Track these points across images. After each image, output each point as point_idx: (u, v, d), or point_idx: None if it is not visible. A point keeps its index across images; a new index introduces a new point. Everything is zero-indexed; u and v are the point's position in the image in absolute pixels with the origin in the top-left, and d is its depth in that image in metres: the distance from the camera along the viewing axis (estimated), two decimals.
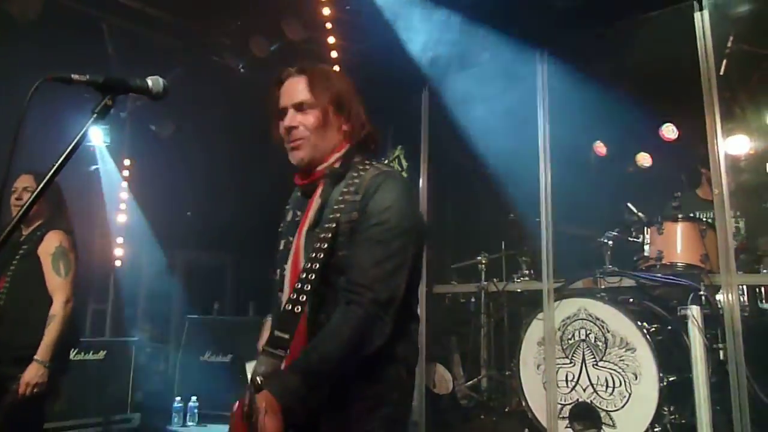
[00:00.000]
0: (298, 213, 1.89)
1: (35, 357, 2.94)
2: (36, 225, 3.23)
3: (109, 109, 1.55)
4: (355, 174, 1.80)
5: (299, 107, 1.83)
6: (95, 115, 1.52)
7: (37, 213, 3.19)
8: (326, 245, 1.68)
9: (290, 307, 1.64)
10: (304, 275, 1.67)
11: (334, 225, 1.71)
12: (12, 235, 1.42)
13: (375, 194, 1.73)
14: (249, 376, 1.64)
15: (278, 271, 1.86)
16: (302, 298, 1.64)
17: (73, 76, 1.48)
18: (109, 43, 5.72)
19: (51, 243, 3.17)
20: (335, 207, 1.74)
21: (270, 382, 1.51)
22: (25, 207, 1.41)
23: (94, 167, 6.58)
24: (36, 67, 5.07)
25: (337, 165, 1.85)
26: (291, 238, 1.83)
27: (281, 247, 1.89)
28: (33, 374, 2.91)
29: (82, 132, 1.49)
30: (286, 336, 1.61)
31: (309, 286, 1.65)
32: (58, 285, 3.09)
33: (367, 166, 1.82)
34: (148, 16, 5.62)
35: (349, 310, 1.62)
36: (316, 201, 1.81)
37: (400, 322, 1.70)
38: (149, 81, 1.61)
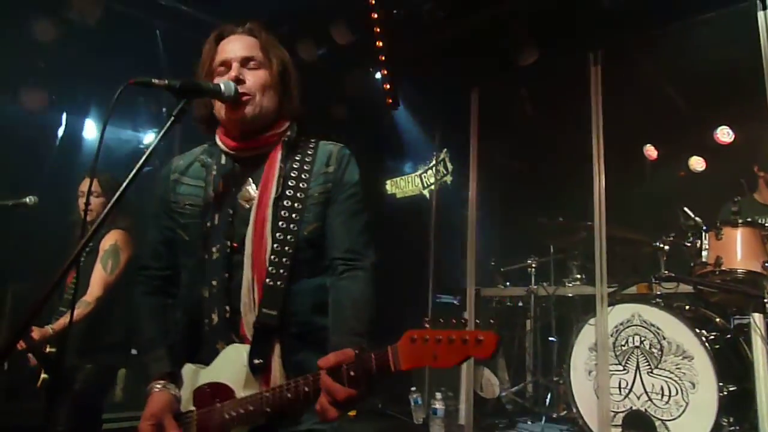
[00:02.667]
0: (230, 182, 1.75)
1: (50, 326, 3.04)
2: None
3: (185, 112, 1.60)
4: (309, 146, 1.80)
5: (246, 62, 1.74)
6: (173, 118, 1.56)
7: (98, 212, 3.29)
8: (299, 217, 1.69)
9: (272, 283, 1.63)
10: (279, 247, 1.65)
11: (303, 196, 1.71)
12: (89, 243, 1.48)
13: (347, 167, 1.79)
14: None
15: (215, 246, 1.70)
16: (282, 272, 1.64)
17: (153, 80, 1.54)
18: (162, 47, 5.86)
19: (108, 240, 3.31)
20: (302, 177, 1.73)
21: (352, 347, 1.47)
22: (104, 214, 1.48)
23: (147, 168, 6.73)
24: (95, 72, 5.28)
25: (288, 134, 1.79)
26: (230, 210, 1.71)
27: (215, 221, 1.71)
28: (38, 334, 2.99)
29: (159, 135, 1.55)
30: (274, 312, 1.61)
31: (287, 260, 1.65)
32: (99, 278, 3.20)
33: (314, 140, 1.83)
34: (199, 21, 5.74)
35: (358, 275, 1.68)
36: (275, 170, 1.73)
37: None
38: (222, 85, 1.65)
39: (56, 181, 4.44)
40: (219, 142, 1.80)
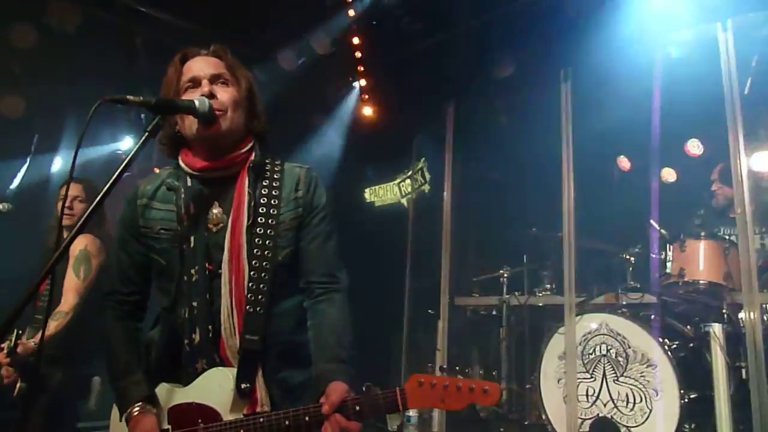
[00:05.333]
0: (198, 205, 1.75)
1: (32, 340, 2.96)
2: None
3: (160, 128, 1.65)
4: (275, 169, 1.84)
5: (215, 79, 1.76)
6: (147, 133, 1.60)
7: (79, 217, 3.28)
8: (272, 243, 1.74)
9: (251, 309, 1.68)
10: (255, 275, 1.70)
11: (275, 222, 1.75)
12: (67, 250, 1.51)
13: (316, 190, 1.85)
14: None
15: (193, 269, 1.71)
16: (261, 297, 1.69)
17: (128, 97, 1.57)
18: (142, 54, 5.86)
19: (78, 245, 3.23)
20: (272, 202, 1.77)
21: (342, 378, 1.60)
22: (81, 221, 1.50)
23: (127, 174, 6.69)
24: (73, 78, 5.27)
25: (253, 157, 1.81)
26: (205, 234, 1.73)
27: (191, 244, 1.72)
28: (23, 349, 2.90)
29: (135, 148, 1.59)
30: (256, 338, 1.67)
31: (264, 286, 1.70)
32: (71, 285, 3.13)
33: (279, 163, 1.86)
34: (180, 29, 5.76)
35: (335, 298, 1.78)
36: (245, 196, 1.75)
37: None
38: (196, 101, 1.69)
39: (30, 188, 4.41)
40: (183, 165, 1.80)
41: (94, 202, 1.52)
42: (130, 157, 1.57)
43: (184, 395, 1.71)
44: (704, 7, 3.94)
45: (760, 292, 3.56)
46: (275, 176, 1.82)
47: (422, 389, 1.53)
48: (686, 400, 3.51)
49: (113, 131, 6.49)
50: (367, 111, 6.25)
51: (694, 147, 5.76)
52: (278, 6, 5.50)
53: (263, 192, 1.78)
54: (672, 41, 4.21)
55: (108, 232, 3.42)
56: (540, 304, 4.88)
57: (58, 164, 5.66)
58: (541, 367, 4.32)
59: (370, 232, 6.97)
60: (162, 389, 1.75)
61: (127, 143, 6.49)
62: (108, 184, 1.52)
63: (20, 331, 3.08)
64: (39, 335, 3.02)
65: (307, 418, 1.55)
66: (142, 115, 6.13)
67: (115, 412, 1.76)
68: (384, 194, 7.87)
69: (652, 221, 4.14)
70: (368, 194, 8.06)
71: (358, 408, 1.53)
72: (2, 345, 2.90)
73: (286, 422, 1.56)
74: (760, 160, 4.37)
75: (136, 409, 1.66)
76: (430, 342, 5.46)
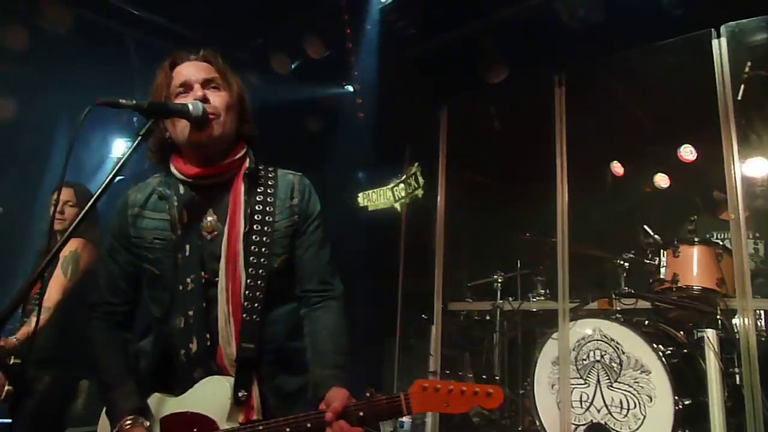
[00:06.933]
0: (191, 213, 1.74)
1: (14, 337, 2.97)
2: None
3: (152, 132, 1.63)
4: (269, 176, 1.83)
5: (207, 84, 1.75)
6: (140, 137, 1.59)
7: (70, 222, 3.26)
8: (268, 251, 1.73)
9: (248, 317, 1.68)
10: (252, 282, 1.69)
11: (270, 230, 1.75)
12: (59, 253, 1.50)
13: (310, 198, 1.85)
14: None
15: (189, 278, 1.69)
16: (257, 305, 1.69)
17: (120, 101, 1.56)
18: (134, 57, 5.84)
19: (68, 247, 3.23)
20: (267, 210, 1.76)
21: (340, 384, 1.60)
22: (73, 225, 1.50)
23: (119, 178, 6.64)
24: (64, 80, 5.24)
25: (247, 164, 1.80)
26: (198, 242, 1.72)
27: (186, 253, 1.70)
28: (4, 344, 2.93)
29: (127, 152, 1.58)
30: (252, 345, 1.67)
31: (260, 293, 1.70)
32: (57, 283, 3.13)
33: (272, 170, 1.86)
34: (173, 32, 5.74)
35: (331, 306, 1.79)
36: (240, 204, 1.74)
37: None
38: (189, 105, 1.67)
39: (21, 191, 4.38)
40: (175, 171, 1.78)
41: (86, 207, 1.51)
42: (122, 161, 1.56)
43: (177, 405, 1.69)
44: (697, 12, 3.95)
45: (753, 297, 3.55)
46: (269, 183, 1.81)
47: (426, 394, 1.52)
48: (680, 407, 3.50)
49: (105, 135, 6.45)
50: (361, 115, 6.26)
51: (688, 153, 5.80)
52: (272, 9, 5.50)
53: (258, 199, 1.77)
54: (665, 47, 4.21)
55: (99, 236, 3.40)
56: (533, 310, 4.86)
57: (49, 168, 5.60)
58: (534, 373, 4.30)
59: (364, 236, 6.97)
60: (154, 399, 1.72)
61: (119, 147, 6.44)
62: (100, 188, 1.51)
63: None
64: (20, 332, 3.02)
65: (308, 425, 1.53)
66: (134, 119, 6.10)
67: (103, 420, 1.73)
68: (377, 199, 7.88)
69: (645, 227, 4.14)
70: (362, 198, 8.07)
71: (361, 414, 1.53)
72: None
73: (287, 429, 1.54)
74: (754, 166, 4.39)
75: (128, 421, 1.63)
76: (422, 347, 5.45)
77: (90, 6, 5.23)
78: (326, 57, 5.84)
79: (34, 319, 3.00)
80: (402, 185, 7.37)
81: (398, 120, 5.97)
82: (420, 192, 7.12)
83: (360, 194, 8.05)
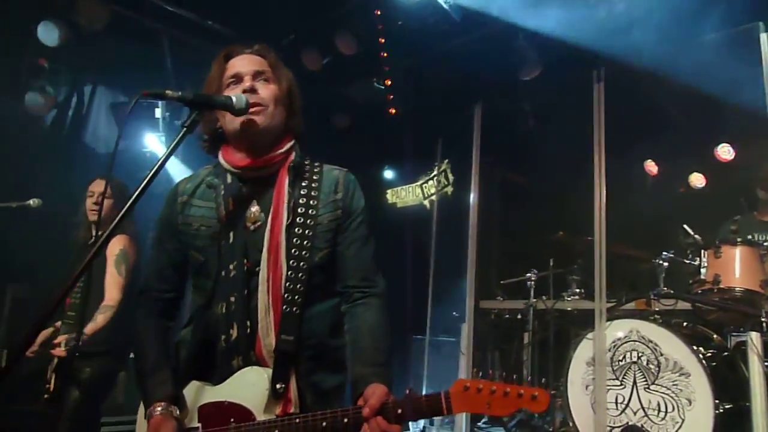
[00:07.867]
0: (237, 203, 1.76)
1: (84, 329, 3.08)
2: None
3: (197, 123, 1.63)
4: (314, 170, 1.84)
5: (258, 76, 1.78)
6: (185, 129, 1.59)
7: (108, 217, 3.31)
8: (310, 244, 1.73)
9: (288, 309, 1.68)
10: (293, 274, 1.70)
11: (313, 223, 1.75)
12: (100, 252, 1.51)
13: (354, 193, 1.85)
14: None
15: (231, 264, 1.72)
16: (297, 298, 1.69)
17: (167, 92, 1.56)
18: (168, 53, 5.88)
19: (116, 246, 3.34)
20: (311, 203, 1.77)
21: (380, 380, 1.58)
22: (115, 222, 1.51)
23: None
24: (100, 76, 5.31)
25: (293, 157, 1.82)
26: (243, 230, 1.74)
27: (230, 240, 1.73)
28: (63, 340, 3.04)
29: (172, 144, 1.57)
30: (291, 338, 1.67)
31: (301, 286, 1.70)
32: (115, 282, 3.25)
33: (317, 164, 1.87)
34: (206, 29, 5.77)
35: (372, 303, 1.77)
36: (284, 196, 1.75)
37: None
38: (233, 98, 1.68)
39: (59, 184, 4.45)
40: (224, 162, 1.80)
41: (130, 201, 1.51)
42: (167, 153, 1.56)
43: (215, 394, 1.69)
44: (744, 6, 3.84)
45: None
46: (314, 177, 1.82)
47: (468, 393, 1.48)
48: (720, 411, 3.41)
49: (136, 129, 6.52)
50: (391, 111, 6.23)
51: (725, 152, 5.66)
52: (304, 5, 5.50)
53: (302, 192, 1.78)
54: (709, 42, 4.11)
55: (135, 230, 3.46)
56: (568, 309, 4.79)
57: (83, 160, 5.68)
58: (568, 373, 4.23)
59: (392, 233, 6.94)
60: (192, 387, 1.73)
61: (150, 141, 6.49)
62: (144, 182, 1.51)
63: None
64: (88, 328, 3.10)
65: (345, 420, 1.52)
66: (167, 114, 6.16)
67: (141, 407, 1.75)
68: (406, 195, 7.84)
69: (685, 227, 4.03)
70: (390, 195, 8.04)
71: (399, 411, 1.50)
72: (56, 340, 3.03)
73: (323, 423, 1.53)
74: None
75: (159, 408, 1.65)
76: (451, 345, 5.41)
77: (126, 3, 5.28)
78: (357, 53, 5.81)
79: (99, 316, 3.13)
80: (431, 182, 7.32)
81: (430, 116, 5.93)
82: (449, 189, 7.07)
83: (389, 191, 8.03)
